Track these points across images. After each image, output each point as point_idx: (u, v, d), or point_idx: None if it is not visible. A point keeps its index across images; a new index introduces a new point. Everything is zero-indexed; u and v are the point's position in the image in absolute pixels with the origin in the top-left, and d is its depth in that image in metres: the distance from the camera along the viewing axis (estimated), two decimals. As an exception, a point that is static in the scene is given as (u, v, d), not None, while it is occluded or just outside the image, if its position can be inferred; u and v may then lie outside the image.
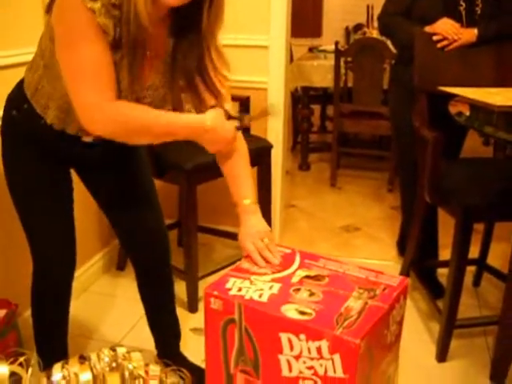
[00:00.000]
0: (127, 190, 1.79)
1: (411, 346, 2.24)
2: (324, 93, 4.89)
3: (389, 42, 3.59)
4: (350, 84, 4.16)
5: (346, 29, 6.46)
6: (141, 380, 1.19)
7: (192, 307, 2.51)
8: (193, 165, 2.32)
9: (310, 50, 5.05)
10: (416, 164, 2.40)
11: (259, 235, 1.39)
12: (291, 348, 1.08)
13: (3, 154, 1.64)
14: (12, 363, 1.15)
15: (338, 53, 4.01)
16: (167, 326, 2.01)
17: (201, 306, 2.50)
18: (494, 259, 2.69)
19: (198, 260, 2.50)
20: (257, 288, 1.18)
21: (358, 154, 4.85)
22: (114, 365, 1.22)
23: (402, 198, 2.88)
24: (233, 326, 1.15)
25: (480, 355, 2.21)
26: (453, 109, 2.04)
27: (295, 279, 1.22)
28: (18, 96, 1.57)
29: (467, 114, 1.99)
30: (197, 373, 1.57)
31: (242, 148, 1.54)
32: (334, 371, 1.04)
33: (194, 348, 2.12)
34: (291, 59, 4.34)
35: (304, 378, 1.09)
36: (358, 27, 6.00)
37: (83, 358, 1.22)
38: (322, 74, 4.25)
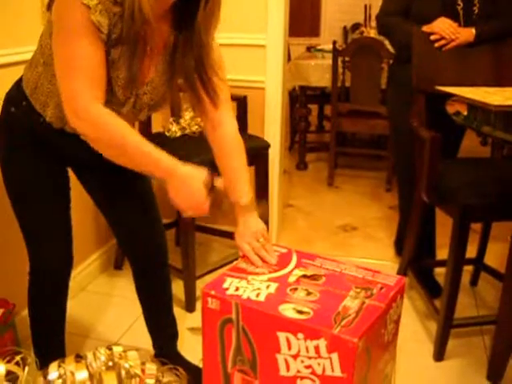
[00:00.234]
0: (124, 190, 1.79)
1: (408, 345, 2.24)
2: (322, 92, 4.89)
3: (387, 42, 3.59)
4: (347, 83, 4.16)
5: (344, 28, 6.46)
6: (137, 379, 1.19)
7: (189, 307, 2.51)
8: (191, 164, 2.31)
9: (308, 49, 5.06)
10: (414, 164, 2.40)
11: (255, 235, 1.39)
12: (289, 347, 1.08)
13: (0, 152, 1.63)
14: (8, 362, 1.15)
15: (335, 52, 4.01)
16: (165, 326, 2.01)
17: (198, 305, 2.50)
18: (492, 259, 2.70)
19: (196, 259, 2.49)
20: (254, 288, 1.18)
21: (356, 153, 4.86)
22: (110, 364, 1.22)
23: (399, 198, 2.88)
24: (230, 326, 1.15)
25: (477, 354, 2.21)
26: (450, 108, 2.04)
27: (292, 279, 1.22)
28: (16, 93, 1.57)
29: (465, 113, 1.99)
30: (194, 372, 1.57)
31: (239, 146, 1.54)
32: (332, 370, 1.04)
33: (191, 347, 2.12)
34: (289, 58, 4.35)
35: (302, 377, 1.09)
36: (355, 27, 6.01)
37: (79, 357, 1.22)
38: (319, 73, 4.26)
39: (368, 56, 3.95)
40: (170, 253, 1.97)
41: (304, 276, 1.23)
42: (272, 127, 2.99)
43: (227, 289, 1.18)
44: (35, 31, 1.93)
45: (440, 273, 2.57)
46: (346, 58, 4.11)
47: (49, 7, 1.39)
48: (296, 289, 1.17)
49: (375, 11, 2.74)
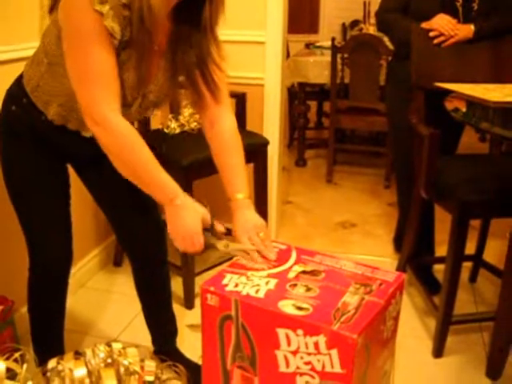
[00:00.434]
0: (125, 187, 1.78)
1: (407, 341, 2.24)
2: (320, 89, 4.88)
3: (385, 39, 3.59)
4: (346, 80, 4.16)
5: (343, 25, 6.46)
6: (136, 376, 1.19)
7: (188, 303, 2.51)
8: (189, 161, 2.32)
9: (307, 46, 5.05)
10: (412, 160, 2.40)
11: (256, 229, 1.38)
12: (288, 343, 1.08)
13: (0, 148, 1.63)
14: (7, 359, 1.15)
15: (334, 49, 4.01)
16: (164, 323, 2.01)
17: (197, 302, 2.50)
18: (490, 255, 2.70)
19: (195, 256, 2.49)
20: (253, 284, 1.18)
21: (355, 150, 4.86)
22: (109, 360, 1.22)
23: (398, 195, 2.88)
24: (229, 322, 1.15)
25: (476, 351, 2.21)
26: (449, 105, 2.04)
27: (292, 274, 1.22)
28: (17, 91, 1.57)
29: (464, 110, 1.98)
30: (193, 369, 1.57)
31: (236, 143, 1.53)
32: (332, 366, 1.04)
33: (190, 344, 2.12)
34: (288, 55, 4.34)
35: (301, 374, 1.09)
36: (354, 23, 6.01)
37: (78, 354, 1.22)
38: (318, 70, 4.26)
39: (367, 53, 3.95)
40: (169, 249, 1.96)
41: (303, 272, 1.23)
42: (271, 124, 2.99)
43: (226, 285, 1.18)
44: (35, 28, 1.92)
45: (439, 269, 2.57)
46: (345, 55, 4.11)
47: (51, 10, 1.39)
48: (295, 285, 1.17)
49: (374, 8, 2.74)
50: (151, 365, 1.23)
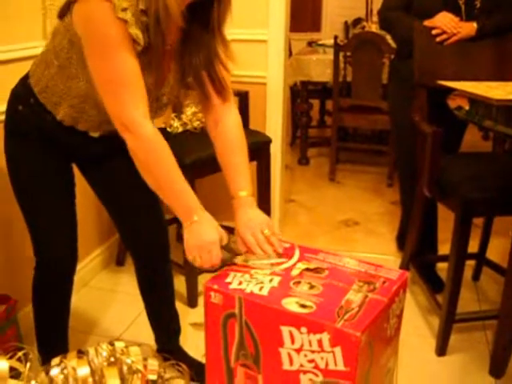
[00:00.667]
0: (129, 185, 1.79)
1: (411, 340, 2.24)
2: (323, 87, 4.87)
3: (388, 37, 3.58)
4: (349, 78, 4.15)
5: (345, 23, 6.45)
6: (139, 374, 1.19)
7: (191, 302, 2.51)
8: (192, 159, 2.32)
9: (309, 44, 5.05)
10: (415, 158, 2.40)
11: (260, 227, 1.37)
12: (292, 341, 1.08)
13: (6, 148, 1.63)
14: (11, 358, 1.15)
15: (337, 47, 4.00)
16: (167, 321, 2.01)
17: (200, 300, 2.50)
18: (494, 253, 2.70)
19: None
20: (257, 281, 1.18)
21: (358, 148, 4.85)
22: (112, 359, 1.22)
23: (401, 193, 2.88)
24: (233, 320, 1.15)
25: (479, 349, 2.21)
26: (452, 103, 2.04)
27: (295, 272, 1.22)
28: (23, 91, 1.57)
29: (467, 108, 1.98)
30: (197, 368, 1.56)
31: (241, 141, 1.53)
32: (335, 364, 1.04)
33: (193, 343, 2.12)
34: (290, 54, 4.34)
35: (305, 372, 1.09)
36: (357, 21, 5.99)
37: (81, 353, 1.22)
38: (321, 68, 4.25)
39: (369, 51, 3.94)
40: (172, 248, 1.97)
41: (307, 269, 1.23)
42: (273, 122, 2.99)
43: (230, 283, 1.18)
44: (37, 27, 1.92)
45: (442, 268, 2.57)
46: (348, 53, 4.09)
47: (61, 15, 1.39)
48: (299, 282, 1.17)
49: (377, 6, 2.73)
50: (154, 363, 1.23)
